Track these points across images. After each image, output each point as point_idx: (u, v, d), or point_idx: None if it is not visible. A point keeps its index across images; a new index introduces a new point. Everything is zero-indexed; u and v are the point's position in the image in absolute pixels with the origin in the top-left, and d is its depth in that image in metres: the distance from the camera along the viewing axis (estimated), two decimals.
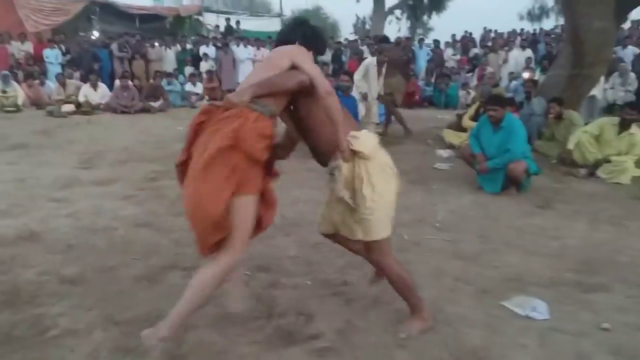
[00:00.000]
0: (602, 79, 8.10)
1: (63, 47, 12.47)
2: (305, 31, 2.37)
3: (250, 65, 13.02)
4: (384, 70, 7.25)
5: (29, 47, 12.31)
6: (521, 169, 4.66)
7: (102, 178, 5.17)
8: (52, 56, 11.98)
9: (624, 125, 5.51)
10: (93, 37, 13.52)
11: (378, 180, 2.29)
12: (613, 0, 6.19)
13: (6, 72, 10.38)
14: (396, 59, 8.13)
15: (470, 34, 16.19)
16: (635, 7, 6.94)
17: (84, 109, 9.67)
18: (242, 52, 13.06)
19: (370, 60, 7.29)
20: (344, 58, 13.93)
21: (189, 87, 11.58)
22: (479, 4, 37.97)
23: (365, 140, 2.28)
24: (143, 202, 4.42)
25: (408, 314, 2.50)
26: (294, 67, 2.16)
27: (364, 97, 7.02)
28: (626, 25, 13.01)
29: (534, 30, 16.98)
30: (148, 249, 3.39)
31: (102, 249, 3.41)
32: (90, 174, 5.38)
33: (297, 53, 2.22)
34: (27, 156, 6.18)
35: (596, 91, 7.52)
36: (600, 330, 2.49)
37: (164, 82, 11.08)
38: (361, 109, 7.13)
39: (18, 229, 3.71)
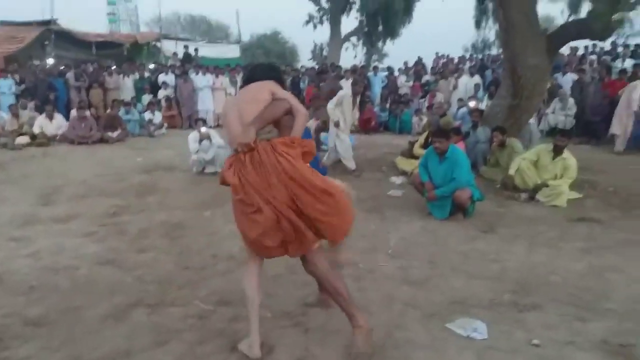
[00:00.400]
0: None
1: (17, 77, 12.26)
2: (276, 74, 2.90)
3: (209, 93, 13.20)
4: (358, 100, 7.46)
5: None
6: (466, 196, 5.03)
7: (62, 214, 5.19)
8: (5, 86, 11.74)
9: (557, 151, 6.01)
10: (48, 66, 13.33)
11: None
12: (545, 39, 6.78)
13: None
14: (333, 89, 8.50)
15: (421, 59, 16.91)
16: (564, 45, 7.59)
17: (40, 140, 9.56)
18: (201, 80, 13.21)
19: (345, 91, 7.47)
20: (302, 85, 14.29)
21: (147, 115, 11.59)
22: (430, 30, 39.52)
23: None
24: (104, 238, 4.49)
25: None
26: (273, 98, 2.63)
27: (336, 125, 7.21)
28: (565, 52, 13.97)
29: (482, 55, 17.96)
30: (112, 288, 3.49)
31: (66, 289, 3.48)
32: (49, 210, 5.39)
33: (274, 86, 2.69)
34: None
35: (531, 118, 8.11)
36: (531, 346, 2.79)
37: (122, 110, 11.06)
38: (331, 140, 7.40)
39: None
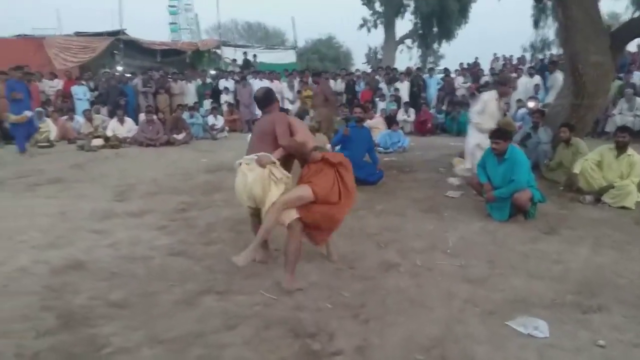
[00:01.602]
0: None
1: (91, 84, 13.17)
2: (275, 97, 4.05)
3: None
4: (502, 104, 6.79)
5: (59, 84, 13.03)
6: (526, 197, 4.95)
7: (136, 210, 5.57)
8: (81, 92, 12.68)
9: (620, 148, 5.79)
10: (118, 73, 14.21)
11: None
12: (609, 36, 6.54)
13: (40, 108, 11.04)
14: (327, 91, 8.40)
15: (478, 61, 16.55)
16: (628, 42, 7.27)
17: (113, 142, 10.23)
18: (259, 85, 13.63)
19: (490, 95, 6.79)
20: (357, 88, 14.41)
21: (210, 119, 12.11)
22: (487, 32, 38.53)
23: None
24: (175, 232, 4.80)
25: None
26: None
27: (482, 131, 6.43)
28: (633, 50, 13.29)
29: (542, 56, 17.36)
30: (183, 276, 3.75)
31: (142, 276, 3.77)
32: (125, 206, 5.79)
33: (292, 120, 3.91)
34: (65, 190, 6.64)
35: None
36: (596, 347, 2.76)
37: (186, 115, 11.62)
38: (473, 153, 6.62)
39: (66, 259, 4.10)
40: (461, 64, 15.79)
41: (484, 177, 5.30)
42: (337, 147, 6.89)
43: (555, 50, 18.21)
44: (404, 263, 4.00)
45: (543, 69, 14.58)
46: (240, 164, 3.71)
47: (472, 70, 15.51)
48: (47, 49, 15.19)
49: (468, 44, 24.65)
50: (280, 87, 14.00)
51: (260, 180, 3.54)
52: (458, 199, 6.03)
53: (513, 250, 4.30)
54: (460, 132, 12.19)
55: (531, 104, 9.14)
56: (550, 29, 18.85)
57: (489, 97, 6.71)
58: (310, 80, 13.92)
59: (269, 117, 3.83)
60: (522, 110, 9.73)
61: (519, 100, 11.61)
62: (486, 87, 14.44)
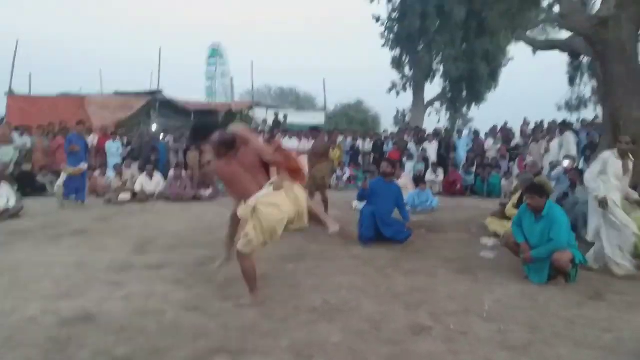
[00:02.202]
0: None
1: (125, 140, 13.55)
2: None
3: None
4: (630, 166, 5.44)
5: (94, 139, 13.43)
6: (566, 258, 4.58)
7: (154, 262, 5.41)
8: (114, 148, 13.01)
9: None
10: (153, 130, 14.62)
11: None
12: None
13: None
14: (321, 146, 8.20)
15: (506, 124, 16.37)
16: None
17: (140, 197, 10.30)
18: (287, 143, 13.76)
19: (610, 153, 5.42)
20: (385, 148, 14.38)
21: None
22: (517, 95, 38.76)
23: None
24: (192, 286, 4.59)
25: None
26: None
27: (602, 204, 5.12)
28: None
29: (576, 119, 17.05)
30: (196, 332, 3.50)
31: (152, 331, 3.54)
32: (144, 258, 5.64)
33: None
34: (86, 241, 6.57)
35: None
36: None
37: None
38: (594, 225, 5.32)
39: (75, 310, 3.92)
40: (495, 126, 15.65)
41: (521, 237, 4.95)
42: (363, 202, 6.72)
43: (592, 108, 17.79)
44: (435, 326, 3.65)
45: (576, 131, 14.28)
46: (254, 207, 3.80)
47: (502, 132, 15.34)
48: (87, 107, 15.85)
49: (498, 106, 24.61)
50: (307, 145, 14.08)
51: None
52: (493, 260, 5.66)
53: (556, 316, 3.90)
54: (491, 193, 11.89)
55: (566, 163, 8.82)
56: (586, 86, 18.50)
57: (610, 154, 5.43)
58: (327, 138, 14.01)
59: (240, 152, 3.98)
60: (557, 171, 9.39)
61: (551, 163, 11.28)
62: (517, 149, 14.23)
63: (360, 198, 6.79)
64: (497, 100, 24.19)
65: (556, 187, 7.67)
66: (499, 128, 15.77)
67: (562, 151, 10.35)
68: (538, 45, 8.20)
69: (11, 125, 12.17)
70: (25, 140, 12.29)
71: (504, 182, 11.75)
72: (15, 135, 11.89)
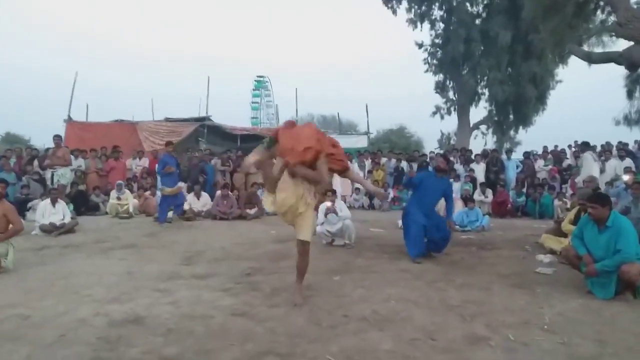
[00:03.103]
0: None
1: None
2: None
3: (337, 177, 13.63)
4: None
5: (145, 162, 13.89)
6: (636, 271, 4.22)
7: (202, 273, 5.43)
8: None
9: None
10: (200, 153, 14.94)
11: None
12: None
13: (120, 181, 11.71)
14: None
15: (556, 147, 15.77)
16: None
17: (187, 215, 10.48)
18: None
19: None
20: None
21: None
22: (568, 116, 37.62)
23: None
24: (239, 294, 4.54)
25: None
26: None
27: None
28: None
29: (635, 141, 16.19)
30: (244, 336, 3.43)
31: (200, 334, 3.50)
32: (191, 269, 5.67)
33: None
34: (136, 254, 6.69)
35: None
36: None
37: (259, 191, 11.79)
38: None
39: (125, 313, 3.95)
40: (545, 147, 15.13)
41: (583, 249, 4.64)
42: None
43: None
44: (494, 337, 3.43)
45: (632, 153, 13.59)
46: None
47: (554, 153, 14.80)
48: (139, 133, 16.47)
49: (547, 129, 23.89)
50: (351, 167, 14.02)
51: (294, 195, 4.07)
52: (551, 275, 5.34)
53: (625, 331, 3.59)
54: (543, 215, 11.39)
55: (626, 177, 8.33)
56: None
57: None
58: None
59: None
60: (617, 187, 8.88)
61: (607, 183, 10.74)
62: (569, 170, 13.66)
63: (406, 186, 6.56)
64: (546, 123, 23.45)
65: (618, 203, 7.22)
66: (549, 149, 15.25)
67: (582, 170, 10.18)
68: (594, 59, 7.88)
69: (68, 149, 12.76)
70: (80, 163, 12.85)
71: (556, 202, 11.24)
72: (72, 158, 12.44)
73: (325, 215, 7.40)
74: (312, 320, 3.76)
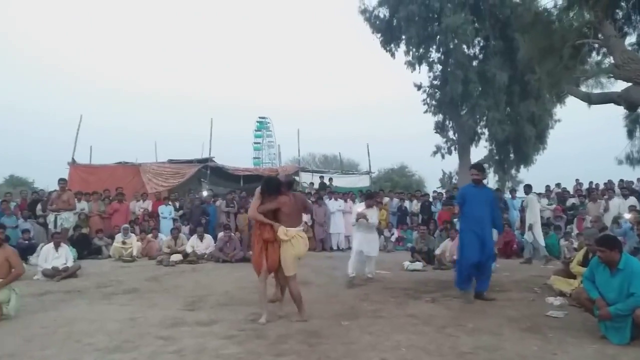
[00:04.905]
0: None
1: (177, 204, 13.95)
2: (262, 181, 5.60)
3: (340, 217, 13.63)
4: None
5: (148, 204, 13.89)
6: None
7: (205, 319, 5.32)
8: (167, 212, 13.37)
9: None
10: (203, 195, 14.96)
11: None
12: None
13: (127, 225, 11.68)
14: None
15: (559, 184, 15.78)
16: None
17: (190, 258, 10.40)
18: (333, 204, 13.74)
19: None
20: (433, 209, 14.09)
21: None
22: (569, 154, 37.84)
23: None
24: (244, 341, 4.44)
25: None
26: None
27: None
28: None
29: (638, 179, 16.21)
30: None
31: None
32: (194, 315, 5.57)
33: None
34: (139, 299, 6.60)
35: None
36: None
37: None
38: None
39: None
40: (547, 186, 15.13)
41: (595, 292, 4.56)
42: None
43: None
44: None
45: (635, 191, 13.58)
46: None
47: (557, 193, 14.80)
48: (142, 175, 16.51)
49: (548, 167, 23.97)
50: (353, 207, 14.04)
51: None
52: (563, 319, 5.22)
53: None
54: (549, 254, 11.24)
55: (628, 216, 8.27)
56: None
57: None
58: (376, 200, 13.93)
59: (292, 198, 5.51)
60: (624, 227, 8.81)
61: (613, 222, 10.67)
62: (574, 209, 13.62)
63: (459, 203, 6.55)
64: (547, 161, 23.57)
65: (626, 242, 7.15)
66: (552, 188, 15.26)
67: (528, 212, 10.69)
68: (593, 100, 7.99)
69: (73, 193, 12.76)
70: (84, 206, 12.84)
71: (562, 242, 11.14)
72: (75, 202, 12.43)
73: (357, 219, 7.77)
74: None
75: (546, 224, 12.22)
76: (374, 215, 7.99)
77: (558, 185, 15.76)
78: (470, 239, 6.26)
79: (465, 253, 6.31)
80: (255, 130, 35.15)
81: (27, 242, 10.50)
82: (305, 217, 7.68)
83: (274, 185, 5.41)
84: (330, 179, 17.31)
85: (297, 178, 19.17)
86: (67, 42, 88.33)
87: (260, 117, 35.53)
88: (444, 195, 14.86)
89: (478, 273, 6.31)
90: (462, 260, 6.39)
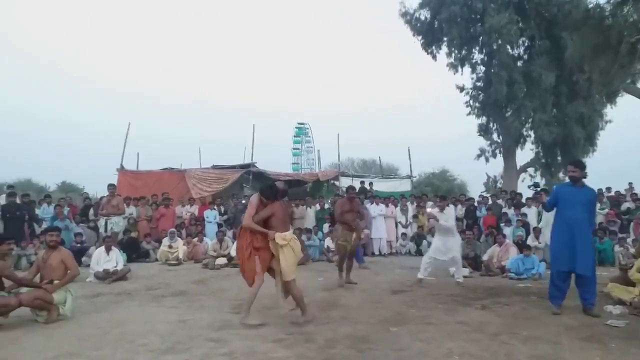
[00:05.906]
0: None
1: (222, 208, 14.21)
2: (262, 188, 5.68)
3: (382, 221, 13.51)
4: None
5: (195, 209, 14.21)
6: None
7: (253, 322, 5.35)
8: (212, 216, 13.64)
9: None
10: (245, 200, 15.18)
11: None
12: None
13: (173, 229, 11.98)
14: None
15: (609, 188, 15.09)
16: None
17: (235, 262, 10.52)
18: (374, 209, 13.62)
19: None
20: (478, 213, 13.74)
21: (327, 242, 12.11)
22: (620, 158, 36.19)
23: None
24: (293, 345, 4.43)
25: None
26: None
27: None
28: None
29: None
30: None
31: None
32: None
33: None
34: (187, 301, 6.72)
35: None
36: None
37: (304, 237, 11.77)
38: None
39: None
40: (600, 189, 14.49)
41: None
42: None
43: None
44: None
45: None
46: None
47: (611, 196, 14.15)
48: (187, 180, 16.92)
49: (599, 169, 22.95)
50: (394, 211, 13.94)
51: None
52: (624, 329, 4.96)
53: None
54: (603, 261, 10.73)
55: None
56: None
57: None
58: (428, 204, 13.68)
59: (282, 205, 5.66)
60: None
61: None
62: (628, 213, 12.98)
63: (549, 208, 6.09)
64: (597, 163, 22.60)
65: None
66: (603, 191, 14.60)
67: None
68: None
69: (122, 198, 13.21)
70: (132, 211, 13.26)
71: (617, 248, 10.64)
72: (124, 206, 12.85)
73: (428, 219, 7.82)
74: None
75: (602, 229, 11.70)
76: (449, 217, 7.86)
77: (608, 189, 15.09)
78: (561, 245, 5.71)
79: (554, 261, 5.82)
80: (294, 136, 35.39)
81: (79, 245, 10.94)
82: (363, 226, 8.37)
83: (274, 193, 5.53)
84: (371, 184, 17.19)
85: (336, 183, 19.19)
86: (113, 59, 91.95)
87: (299, 123, 35.73)
88: (490, 200, 14.48)
89: (576, 286, 5.76)
90: (552, 270, 5.93)
